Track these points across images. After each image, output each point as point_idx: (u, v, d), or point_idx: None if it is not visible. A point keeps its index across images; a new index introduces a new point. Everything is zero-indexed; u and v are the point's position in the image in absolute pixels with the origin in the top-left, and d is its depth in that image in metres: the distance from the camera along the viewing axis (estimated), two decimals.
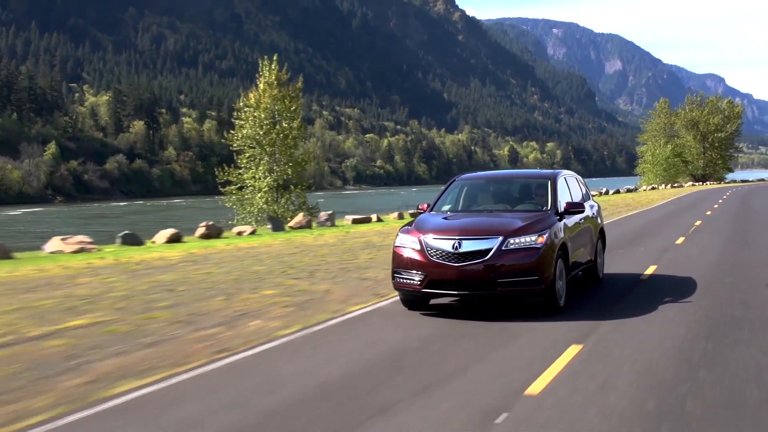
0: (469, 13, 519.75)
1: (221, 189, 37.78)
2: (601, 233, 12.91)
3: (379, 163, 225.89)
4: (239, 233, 24.13)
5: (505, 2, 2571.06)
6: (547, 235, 9.45)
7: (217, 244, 20.57)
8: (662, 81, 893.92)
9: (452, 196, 11.48)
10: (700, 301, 10.29)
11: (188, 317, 9.68)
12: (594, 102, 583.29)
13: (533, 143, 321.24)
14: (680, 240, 19.58)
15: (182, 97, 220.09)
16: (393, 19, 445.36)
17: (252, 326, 9.10)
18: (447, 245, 9.30)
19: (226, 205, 37.54)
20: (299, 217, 27.83)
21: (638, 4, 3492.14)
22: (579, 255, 11.07)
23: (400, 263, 9.68)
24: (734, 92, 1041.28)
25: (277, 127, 36.28)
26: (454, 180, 12.07)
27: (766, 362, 7.12)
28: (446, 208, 11.13)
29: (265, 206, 35.60)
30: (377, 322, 9.57)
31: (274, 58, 37.90)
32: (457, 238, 9.32)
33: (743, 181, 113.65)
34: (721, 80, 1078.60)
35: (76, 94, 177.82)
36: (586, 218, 11.68)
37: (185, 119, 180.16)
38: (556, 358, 7.20)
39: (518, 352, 7.65)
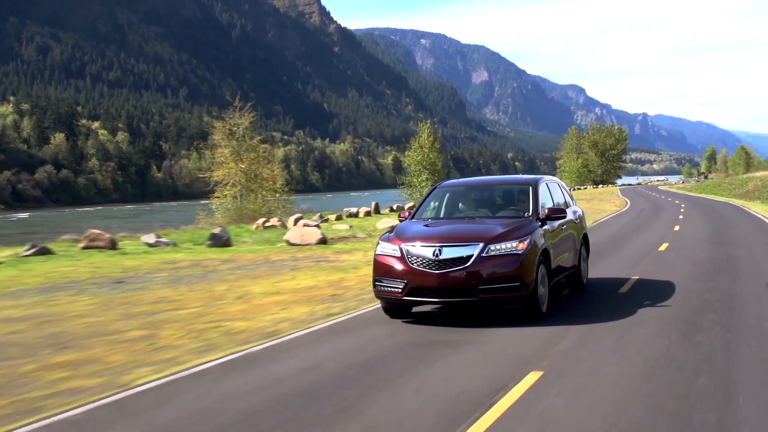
0: (338, 23, 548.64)
1: (400, 186, 75.07)
2: (585, 239, 13.25)
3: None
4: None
5: (373, 13, 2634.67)
6: (528, 241, 9.76)
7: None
8: (527, 91, 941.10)
9: (433, 204, 11.89)
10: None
11: None
12: (464, 112, 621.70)
13: None
14: (656, 195, 64.27)
15: (80, 108, 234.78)
16: (271, 30, 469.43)
17: None
18: (427, 252, 9.60)
19: (402, 197, 70.62)
20: None
21: (503, 16, 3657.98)
22: (562, 260, 11.39)
23: (381, 271, 10.01)
24: (594, 102, 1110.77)
25: (429, 155, 71.64)
26: (435, 187, 12.44)
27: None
28: (427, 215, 11.59)
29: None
30: None
31: (427, 122, 75.92)
32: (437, 245, 9.63)
33: (629, 185, 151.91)
34: (582, 91, 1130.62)
35: None
36: (569, 224, 11.98)
37: (100, 132, 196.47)
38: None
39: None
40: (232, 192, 50.43)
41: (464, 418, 5.94)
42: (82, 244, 23.10)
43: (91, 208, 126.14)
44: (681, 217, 35.64)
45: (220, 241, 23.14)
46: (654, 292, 12.28)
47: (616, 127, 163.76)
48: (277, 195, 51.69)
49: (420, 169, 72.72)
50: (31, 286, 15.14)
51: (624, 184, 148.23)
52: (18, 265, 19.05)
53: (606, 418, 5.86)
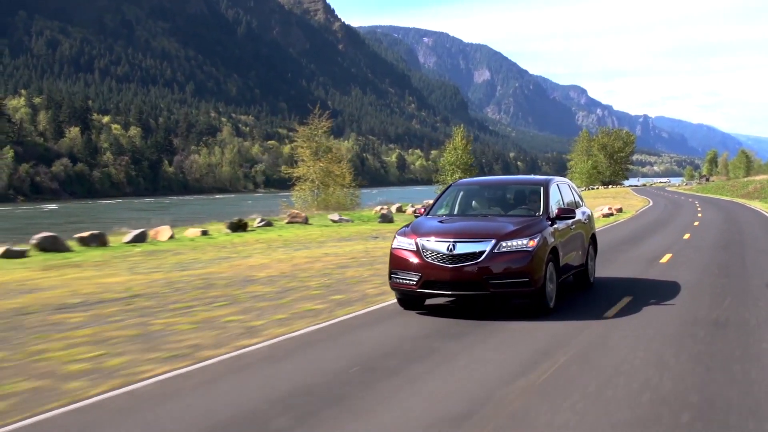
0: (343, 20, 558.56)
1: (435, 184, 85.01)
2: (593, 239, 14.12)
3: (284, 168, 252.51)
4: None
5: (376, 11, 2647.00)
6: (538, 238, 10.43)
7: None
8: (528, 91, 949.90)
9: (448, 201, 12.59)
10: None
11: None
12: (467, 111, 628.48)
13: (418, 151, 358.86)
14: (668, 194, 76.59)
15: (90, 102, 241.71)
16: (276, 27, 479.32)
17: None
18: (442, 247, 10.24)
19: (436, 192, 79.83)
20: None
21: (506, 16, 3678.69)
22: (570, 259, 12.11)
23: (397, 264, 10.69)
24: (596, 104, 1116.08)
25: (462, 156, 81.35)
26: (451, 185, 13.31)
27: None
28: (442, 212, 12.24)
29: None
30: None
31: (461, 126, 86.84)
32: (451, 240, 10.27)
33: (636, 186, 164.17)
34: (584, 92, 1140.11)
35: None
36: (578, 223, 12.75)
37: (113, 126, 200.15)
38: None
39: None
40: (310, 186, 61.72)
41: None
42: (286, 220, 33.83)
43: (112, 201, 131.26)
44: (699, 208, 47.83)
45: (387, 219, 34.25)
46: (701, 239, 24.06)
47: (624, 131, 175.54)
48: (345, 189, 62.93)
49: (453, 169, 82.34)
50: (318, 240, 25.19)
51: (632, 185, 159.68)
52: (269, 231, 29.55)
53: (703, 262, 17.24)
